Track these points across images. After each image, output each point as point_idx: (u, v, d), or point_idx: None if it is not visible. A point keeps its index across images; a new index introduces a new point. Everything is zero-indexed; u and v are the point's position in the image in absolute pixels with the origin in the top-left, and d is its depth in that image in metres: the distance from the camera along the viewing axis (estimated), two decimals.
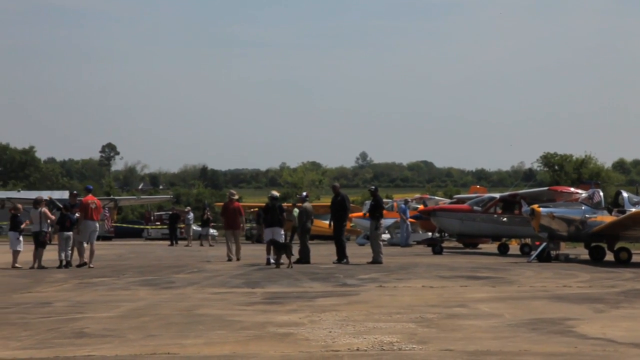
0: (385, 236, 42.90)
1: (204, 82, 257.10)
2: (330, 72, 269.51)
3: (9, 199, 53.83)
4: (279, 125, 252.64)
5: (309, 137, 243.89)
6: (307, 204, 26.65)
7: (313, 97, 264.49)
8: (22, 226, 24.21)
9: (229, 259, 27.57)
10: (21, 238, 24.21)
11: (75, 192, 26.92)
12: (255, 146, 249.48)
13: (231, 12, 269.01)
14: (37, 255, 23.55)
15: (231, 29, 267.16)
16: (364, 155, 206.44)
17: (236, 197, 29.48)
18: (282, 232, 25.67)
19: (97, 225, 24.56)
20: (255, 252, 31.71)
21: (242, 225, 28.94)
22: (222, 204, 35.36)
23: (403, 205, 42.83)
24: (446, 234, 34.66)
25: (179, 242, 47.51)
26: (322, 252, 31.71)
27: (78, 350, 9.42)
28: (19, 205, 25.08)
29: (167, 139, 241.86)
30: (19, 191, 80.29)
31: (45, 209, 24.02)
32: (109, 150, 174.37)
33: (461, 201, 39.00)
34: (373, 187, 28.27)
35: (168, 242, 47.53)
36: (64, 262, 23.66)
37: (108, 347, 9.62)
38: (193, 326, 11.22)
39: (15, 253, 23.86)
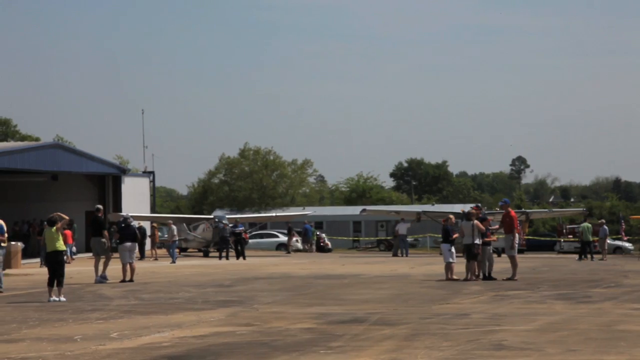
0: None
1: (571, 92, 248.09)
2: None
3: (424, 212, 55.99)
4: None
5: None
6: None
7: None
8: (453, 237, 24.57)
9: None
10: (454, 249, 24.50)
11: (478, 205, 27.00)
12: None
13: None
14: (469, 268, 23.90)
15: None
16: None
17: None
18: None
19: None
20: None
21: None
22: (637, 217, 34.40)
23: None
24: None
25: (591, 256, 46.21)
26: None
27: None
28: (451, 216, 25.35)
29: (578, 151, 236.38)
30: (433, 204, 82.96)
31: (477, 221, 24.14)
32: (519, 164, 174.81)
33: None
34: None
35: (576, 256, 46.49)
36: (480, 275, 24.06)
37: None
38: (614, 342, 10.89)
39: (449, 265, 24.32)
